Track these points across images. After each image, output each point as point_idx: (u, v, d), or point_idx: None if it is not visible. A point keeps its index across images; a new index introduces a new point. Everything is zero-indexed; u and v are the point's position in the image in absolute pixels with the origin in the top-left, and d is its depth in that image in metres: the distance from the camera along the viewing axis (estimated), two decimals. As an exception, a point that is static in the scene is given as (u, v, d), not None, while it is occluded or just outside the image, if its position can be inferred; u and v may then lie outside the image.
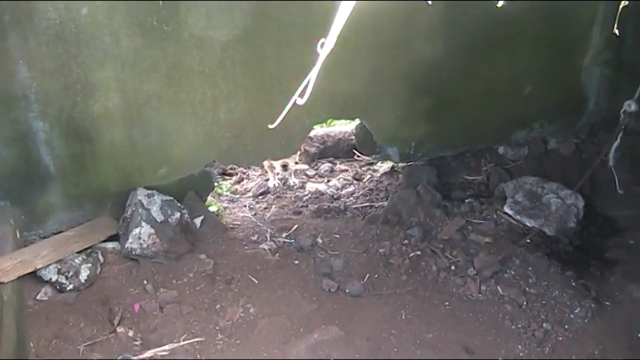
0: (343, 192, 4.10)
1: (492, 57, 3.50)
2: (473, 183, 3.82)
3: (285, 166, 4.05)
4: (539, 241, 3.16)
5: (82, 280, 2.68)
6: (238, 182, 4.47)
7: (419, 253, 3.07)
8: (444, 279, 2.91)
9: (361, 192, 4.04)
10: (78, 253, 2.76)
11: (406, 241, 3.18)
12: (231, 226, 3.46)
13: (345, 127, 4.84)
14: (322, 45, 1.24)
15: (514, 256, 3.00)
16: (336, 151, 4.79)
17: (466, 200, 3.55)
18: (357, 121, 3.92)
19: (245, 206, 3.90)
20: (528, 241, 3.13)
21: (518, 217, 3.30)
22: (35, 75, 2.58)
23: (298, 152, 4.16)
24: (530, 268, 2.94)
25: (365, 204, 3.81)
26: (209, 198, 3.59)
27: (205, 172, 3.32)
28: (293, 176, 4.31)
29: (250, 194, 4.19)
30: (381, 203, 3.75)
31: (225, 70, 2.95)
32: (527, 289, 2.81)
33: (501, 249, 3.07)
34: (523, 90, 3.65)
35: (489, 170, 3.81)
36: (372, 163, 4.54)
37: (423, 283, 2.88)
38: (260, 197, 4.11)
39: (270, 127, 1.48)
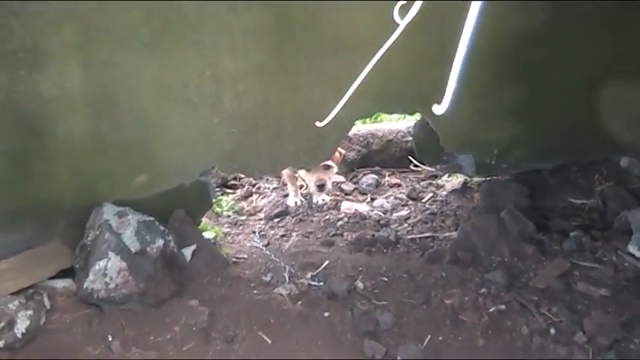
0: (394, 216, 4.16)
1: (609, 28, 3.40)
2: (581, 209, 3.84)
3: (321, 186, 4.11)
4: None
5: (19, 334, 2.64)
6: (245, 198, 4.59)
7: (502, 307, 3.01)
8: (539, 347, 2.79)
9: (419, 217, 4.08)
10: (14, 294, 2.76)
11: (484, 290, 3.14)
12: (234, 259, 3.48)
13: (397, 124, 4.95)
14: (401, 11, 1.27)
15: (644, 318, 2.94)
16: (384, 157, 4.88)
17: (571, 233, 3.54)
18: (417, 117, 3.97)
19: (254, 232, 3.97)
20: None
21: (649, 261, 3.26)
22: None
23: (337, 160, 4.22)
24: (668, 337, 2.87)
25: (425, 234, 3.83)
26: (204, 219, 3.64)
27: (200, 183, 3.35)
28: (315, 193, 4.40)
29: (262, 215, 4.28)
30: (447, 234, 3.78)
31: (232, 39, 2.96)
32: (664, 367, 2.74)
33: (624, 307, 2.97)
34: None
35: (606, 191, 3.83)
36: (435, 176, 4.63)
37: (509, 350, 2.78)
38: (275, 220, 4.20)
39: (319, 124, 1.44)
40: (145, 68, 2.92)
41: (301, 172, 4.18)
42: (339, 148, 4.18)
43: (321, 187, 4.11)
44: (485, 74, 3.37)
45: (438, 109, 1.43)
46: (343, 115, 3.20)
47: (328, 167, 4.09)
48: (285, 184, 4.41)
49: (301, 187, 4.31)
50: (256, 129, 3.20)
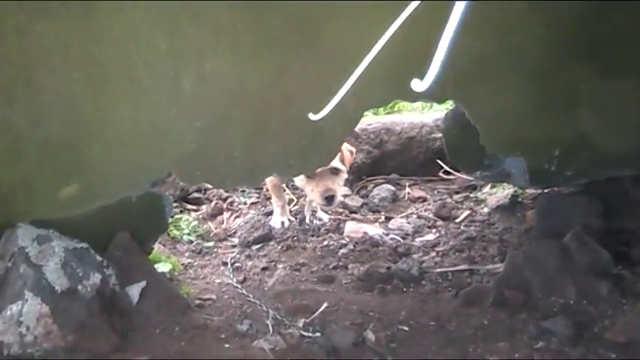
0: (417, 242, 4.15)
1: None
2: (676, 232, 3.80)
3: (329, 198, 4.11)
4: None
5: None
6: (213, 217, 4.63)
7: (567, 367, 3.01)
8: None
9: (452, 243, 4.08)
10: None
11: (541, 344, 3.09)
12: (198, 301, 3.48)
13: (421, 115, 4.97)
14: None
15: None
16: (403, 161, 4.92)
17: (662, 266, 3.51)
18: (448, 106, 3.98)
19: (226, 264, 3.97)
20: None
21: None
22: None
23: (349, 161, 4.25)
24: None
25: (459, 267, 3.82)
26: (157, 247, 3.65)
27: (151, 197, 3.37)
28: (318, 209, 4.42)
29: (236, 241, 4.29)
30: (490, 266, 3.78)
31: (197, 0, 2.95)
32: None
33: None
34: None
35: None
36: (473, 188, 4.66)
37: None
38: (255, 247, 4.20)
39: (313, 117, 1.45)
40: (74, 39, 2.90)
41: (299, 180, 4.20)
42: (348, 146, 4.19)
43: (329, 200, 4.11)
44: (542, 47, 3.36)
45: (418, 85, 1.51)
46: (348, 103, 3.16)
47: (337, 172, 4.11)
48: (269, 198, 4.42)
49: (290, 201, 4.30)
50: (229, 123, 3.20)
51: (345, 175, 4.22)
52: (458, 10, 1.35)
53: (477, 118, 3.51)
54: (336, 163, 4.04)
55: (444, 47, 1.46)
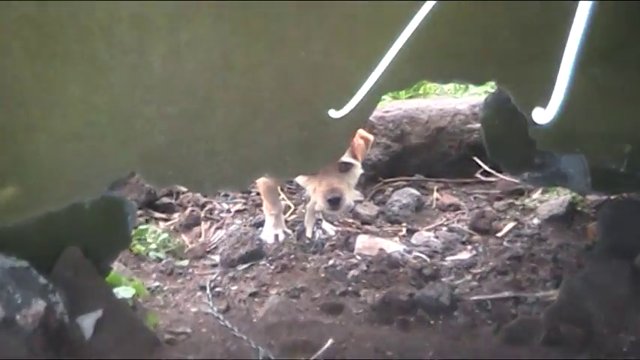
0: (447, 261, 4.15)
1: None
2: None
3: (334, 201, 4.05)
4: None
5: None
6: (188, 228, 4.64)
7: None
8: None
9: (492, 263, 4.09)
10: None
11: None
12: (169, 336, 3.48)
13: (454, 100, 5.00)
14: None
15: None
16: (430, 158, 4.95)
17: None
18: (488, 89, 4.05)
19: (204, 288, 3.97)
20: None
21: None
22: None
23: (362, 152, 4.22)
24: None
25: (501, 293, 3.81)
26: (117, 265, 3.67)
27: (109, 203, 3.39)
28: (324, 220, 4.43)
29: (217, 259, 4.27)
30: (542, 293, 3.77)
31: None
32: None
33: None
34: None
35: None
36: (519, 193, 4.68)
37: None
38: (241, 268, 4.20)
39: (334, 114, 1.50)
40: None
41: (300, 178, 4.17)
42: (363, 132, 4.15)
43: (333, 203, 4.04)
44: (608, 18, 3.24)
45: (541, 116, 1.46)
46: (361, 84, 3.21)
47: (346, 167, 4.07)
48: (259, 205, 4.45)
49: (287, 209, 4.37)
50: (209, 109, 3.15)
51: (358, 171, 4.18)
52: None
53: (524, 104, 3.42)
54: (345, 156, 3.93)
55: (566, 73, 1.43)
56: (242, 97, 3.17)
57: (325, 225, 4.42)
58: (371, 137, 4.32)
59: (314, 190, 4.10)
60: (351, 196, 4.20)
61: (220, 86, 3.13)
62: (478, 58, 3.33)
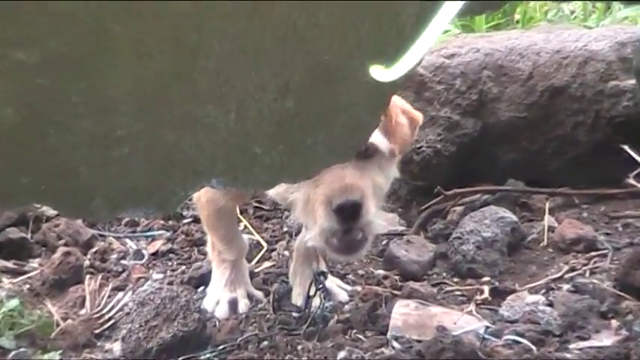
0: (572, 351, 3.27)
1: None
2: None
3: (350, 207, 2.82)
4: None
5: None
6: (61, 289, 3.78)
7: None
8: None
9: None
10: None
11: None
12: None
13: (580, 33, 4.06)
14: None
15: None
16: (535, 148, 4.05)
17: None
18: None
19: None
20: None
21: None
22: None
23: (404, 141, 3.24)
24: None
25: None
26: None
27: None
28: (327, 271, 3.51)
29: (115, 349, 3.41)
30: None
31: None
32: None
33: None
34: None
35: None
36: None
37: None
38: None
39: (380, 75, 1.31)
40: None
41: (277, 190, 2.92)
42: (405, 104, 3.12)
43: (347, 216, 2.71)
44: None
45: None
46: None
47: (370, 152, 2.85)
48: (199, 244, 3.73)
49: (255, 249, 3.68)
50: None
51: (393, 169, 3.02)
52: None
53: None
54: (375, 136, 2.71)
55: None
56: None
57: (331, 281, 3.29)
58: (419, 116, 3.23)
59: (305, 202, 2.80)
60: (380, 213, 2.92)
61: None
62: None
